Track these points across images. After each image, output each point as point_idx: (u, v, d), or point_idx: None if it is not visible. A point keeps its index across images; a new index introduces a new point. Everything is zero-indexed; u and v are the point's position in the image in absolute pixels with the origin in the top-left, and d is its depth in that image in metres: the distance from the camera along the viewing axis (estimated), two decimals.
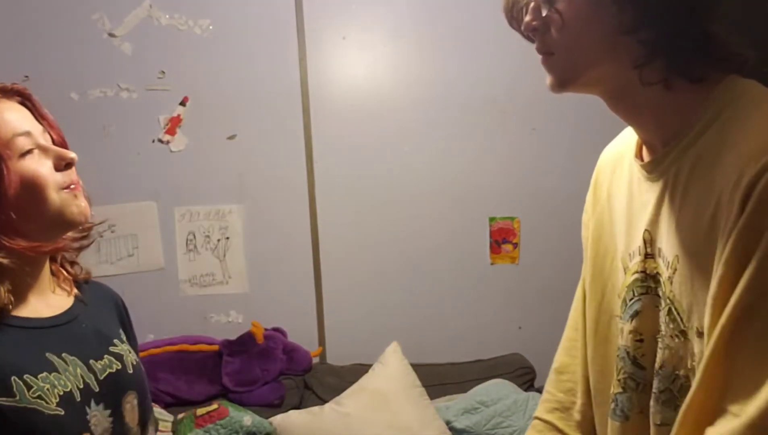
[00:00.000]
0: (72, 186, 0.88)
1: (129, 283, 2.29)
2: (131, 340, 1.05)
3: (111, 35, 2.47)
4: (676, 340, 0.75)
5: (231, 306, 2.60)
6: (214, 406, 2.18)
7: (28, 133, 0.86)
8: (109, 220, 2.40)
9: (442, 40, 2.57)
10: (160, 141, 2.52)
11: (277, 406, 2.35)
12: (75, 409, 0.85)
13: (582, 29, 0.74)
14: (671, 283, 0.75)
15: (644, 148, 0.84)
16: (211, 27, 2.52)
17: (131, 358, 0.98)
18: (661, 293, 0.78)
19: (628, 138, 0.91)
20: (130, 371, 0.96)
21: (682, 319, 0.74)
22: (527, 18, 0.78)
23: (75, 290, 0.97)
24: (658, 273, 0.79)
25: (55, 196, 0.86)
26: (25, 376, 0.81)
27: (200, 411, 2.16)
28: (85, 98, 2.47)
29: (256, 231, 2.59)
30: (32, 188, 0.84)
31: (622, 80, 0.75)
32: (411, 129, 2.60)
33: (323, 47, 2.56)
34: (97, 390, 0.89)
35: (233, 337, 2.46)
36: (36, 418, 0.79)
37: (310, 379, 2.48)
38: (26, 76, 2.36)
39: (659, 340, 0.79)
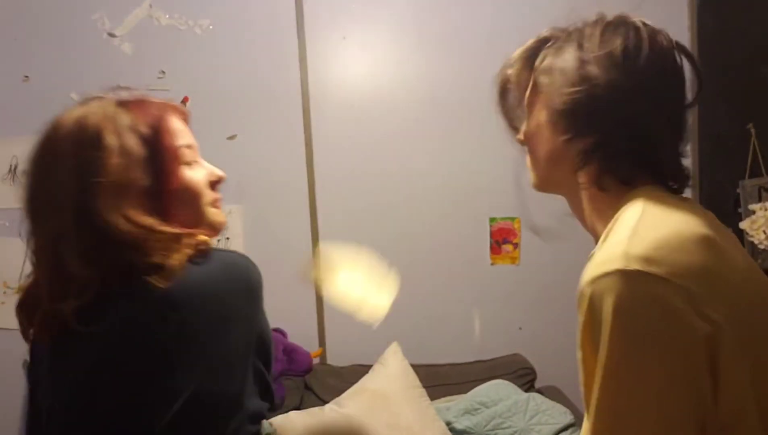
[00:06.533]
0: (218, 202, 0.98)
1: None
2: None
3: (111, 35, 2.47)
4: None
5: None
6: None
7: (191, 147, 0.96)
8: None
9: (442, 39, 2.57)
10: None
11: (278, 406, 2.34)
12: None
13: (537, 141, 0.92)
14: None
15: None
16: (211, 27, 2.51)
17: None
18: None
19: None
20: None
21: None
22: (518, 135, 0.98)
23: None
24: None
25: (210, 209, 0.96)
26: None
27: None
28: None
29: (256, 231, 2.58)
30: (190, 195, 0.91)
31: (570, 183, 0.88)
32: (411, 129, 2.59)
33: (323, 47, 2.56)
34: None
35: None
36: None
37: (311, 379, 2.48)
38: (26, 77, 2.36)
39: None
